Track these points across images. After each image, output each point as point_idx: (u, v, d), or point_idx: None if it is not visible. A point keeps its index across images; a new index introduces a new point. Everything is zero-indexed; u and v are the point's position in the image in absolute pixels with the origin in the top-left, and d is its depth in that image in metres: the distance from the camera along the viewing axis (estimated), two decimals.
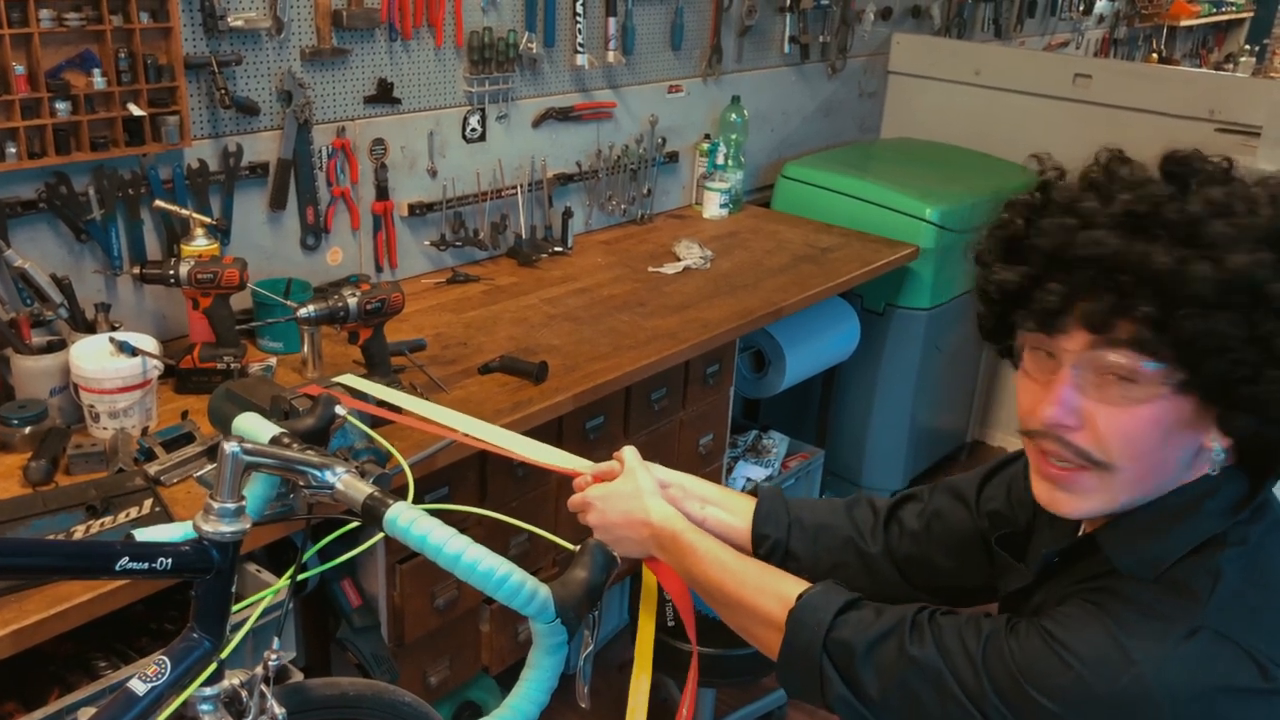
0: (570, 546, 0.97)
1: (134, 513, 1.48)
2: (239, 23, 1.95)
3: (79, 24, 1.74)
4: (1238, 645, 0.83)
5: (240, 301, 1.97)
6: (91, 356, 1.66)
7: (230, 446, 0.85)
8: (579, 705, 1.10)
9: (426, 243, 2.45)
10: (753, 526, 1.24)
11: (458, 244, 2.50)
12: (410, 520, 0.85)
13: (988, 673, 0.89)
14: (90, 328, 1.79)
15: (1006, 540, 1.13)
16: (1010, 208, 0.93)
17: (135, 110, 1.82)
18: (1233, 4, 6.63)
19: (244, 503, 0.88)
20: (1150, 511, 0.90)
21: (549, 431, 2.01)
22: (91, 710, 0.89)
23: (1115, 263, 0.82)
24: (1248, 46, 6.79)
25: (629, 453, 1.24)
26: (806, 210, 3.19)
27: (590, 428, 2.15)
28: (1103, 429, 0.87)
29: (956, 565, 1.19)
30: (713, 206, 3.08)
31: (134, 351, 1.66)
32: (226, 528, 0.87)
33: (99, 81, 1.78)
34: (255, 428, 0.99)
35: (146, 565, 0.81)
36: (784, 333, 2.75)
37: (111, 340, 1.68)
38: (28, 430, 1.62)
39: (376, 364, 1.80)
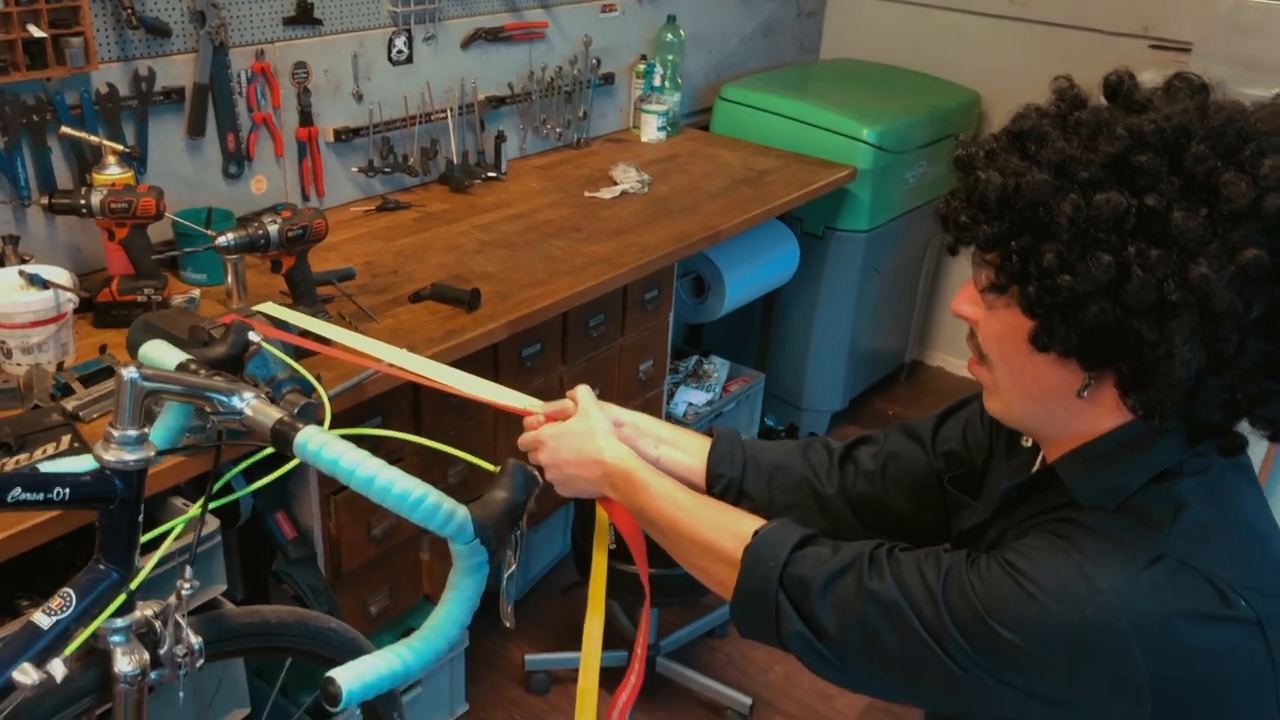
0: (491, 467, 0.96)
1: (50, 449, 1.44)
2: None
3: None
4: (1199, 572, 0.84)
5: (161, 233, 1.91)
6: (2, 290, 1.60)
7: (128, 372, 0.82)
8: (504, 623, 1.09)
9: (354, 169, 2.39)
10: (708, 466, 1.23)
11: (386, 170, 2.44)
12: (320, 444, 0.83)
13: (948, 607, 0.89)
14: None
15: (960, 480, 1.14)
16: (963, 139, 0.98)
17: (35, 32, 1.73)
18: None
19: (146, 430, 0.85)
20: (1107, 442, 0.91)
21: (484, 360, 1.98)
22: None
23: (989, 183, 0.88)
24: None
25: (583, 392, 1.22)
26: (745, 133, 3.16)
27: (526, 356, 2.13)
28: (982, 327, 0.94)
29: (912, 506, 1.20)
30: (650, 130, 3.03)
31: (45, 284, 1.60)
32: (129, 455, 0.84)
33: None
34: (161, 355, 0.96)
35: (41, 495, 0.78)
36: (723, 257, 2.73)
37: (21, 273, 1.62)
38: None
39: (302, 293, 1.76)
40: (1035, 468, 1.01)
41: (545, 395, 1.32)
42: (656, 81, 3.01)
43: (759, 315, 3.21)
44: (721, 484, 1.22)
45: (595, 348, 2.31)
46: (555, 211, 2.47)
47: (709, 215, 2.50)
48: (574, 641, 2.59)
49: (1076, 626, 0.83)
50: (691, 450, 1.24)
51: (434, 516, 0.84)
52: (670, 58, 3.02)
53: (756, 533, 1.02)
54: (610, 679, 2.51)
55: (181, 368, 0.93)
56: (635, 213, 2.49)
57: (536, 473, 0.95)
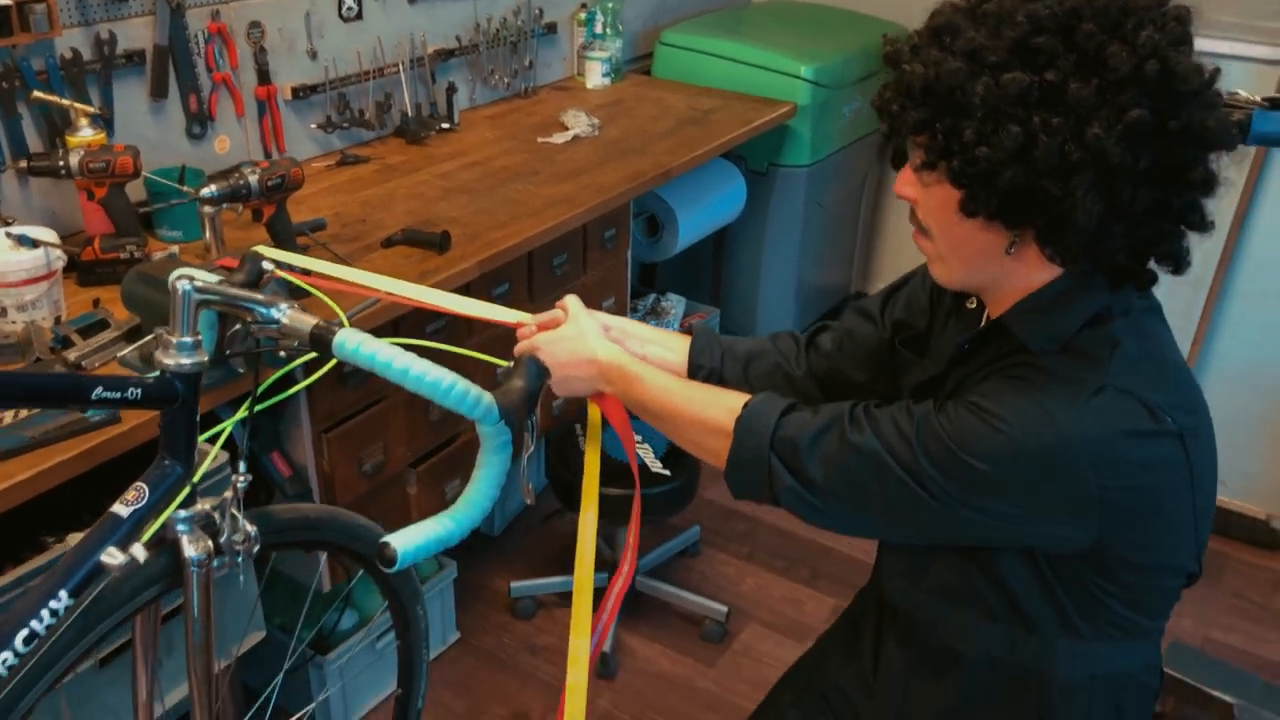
0: (505, 363, 1.06)
1: None
2: None
3: None
4: (1134, 397, 0.99)
5: (133, 194, 1.96)
6: None
7: (182, 284, 0.91)
8: (524, 500, 1.20)
9: (313, 126, 2.45)
10: (689, 359, 1.35)
11: (344, 125, 2.50)
12: (358, 342, 0.93)
13: (923, 448, 1.01)
14: None
15: (908, 342, 1.27)
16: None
17: None
18: None
19: (199, 337, 0.94)
20: (1044, 294, 1.04)
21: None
22: (79, 535, 0.96)
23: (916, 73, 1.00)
24: None
25: (572, 300, 1.32)
26: (686, 76, 3.25)
27: (496, 295, 2.22)
28: (920, 204, 1.07)
29: (868, 377, 1.33)
30: (595, 76, 3.11)
31: (34, 243, 1.66)
32: (186, 360, 0.93)
33: None
34: (198, 275, 1.04)
35: (119, 394, 0.87)
36: (674, 196, 2.84)
37: (9, 235, 1.67)
38: None
39: (283, 241, 1.83)
40: (982, 324, 1.14)
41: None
42: (598, 29, 3.08)
43: (711, 253, 3.33)
44: (702, 374, 1.34)
45: (560, 285, 2.41)
46: (511, 158, 2.55)
47: (659, 155, 2.60)
48: (555, 568, 2.73)
49: (1036, 451, 0.97)
50: (673, 347, 1.36)
51: (464, 401, 0.94)
52: (610, 5, 3.10)
53: (746, 405, 1.14)
54: (594, 601, 2.63)
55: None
56: (588, 155, 2.58)
57: (547, 366, 1.05)
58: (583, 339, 1.26)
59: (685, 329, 1.39)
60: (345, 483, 1.97)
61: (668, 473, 2.38)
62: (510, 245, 2.11)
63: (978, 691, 1.19)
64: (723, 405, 1.16)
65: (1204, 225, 1.00)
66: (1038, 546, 1.06)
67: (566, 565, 2.73)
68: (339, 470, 1.94)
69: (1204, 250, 2.78)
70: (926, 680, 1.23)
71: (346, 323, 1.02)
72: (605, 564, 2.64)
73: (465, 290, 2.11)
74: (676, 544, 2.73)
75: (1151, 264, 1.03)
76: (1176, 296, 2.80)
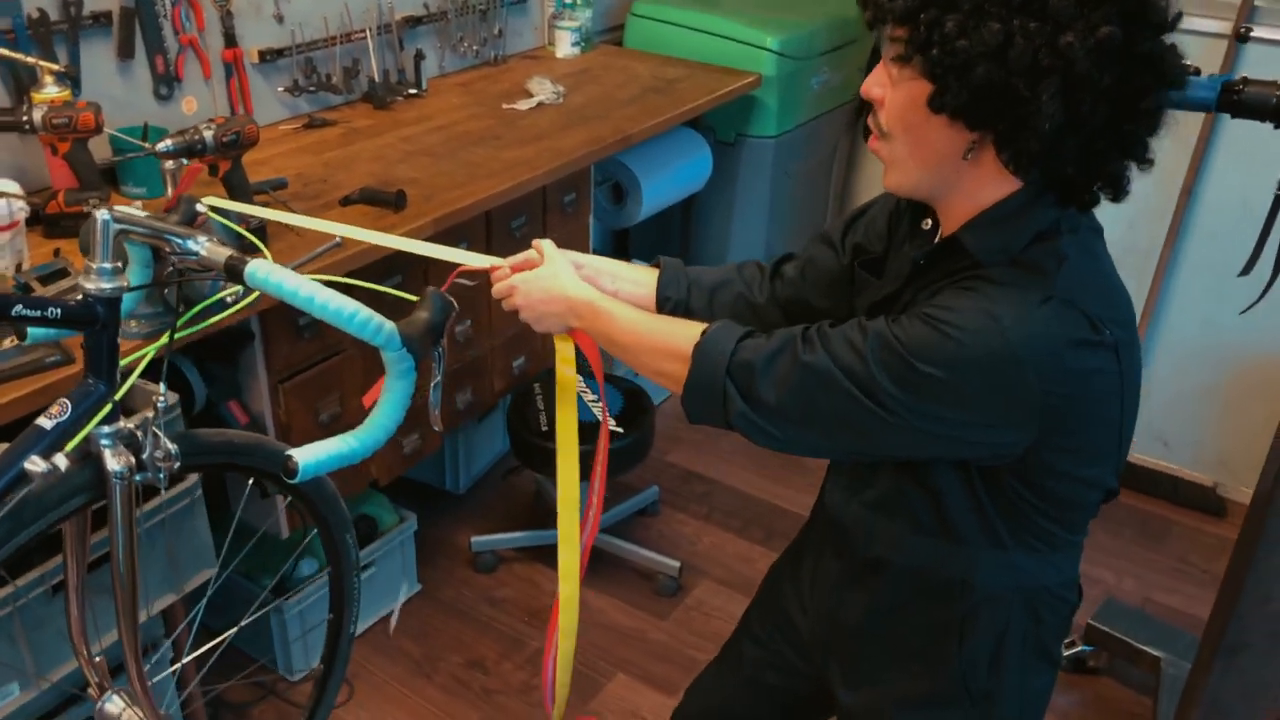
0: (413, 298, 1.13)
1: (13, 341, 1.58)
2: None
3: None
4: (1078, 308, 1.05)
5: (100, 153, 2.02)
6: None
7: (101, 214, 0.98)
8: (433, 427, 1.28)
9: (280, 89, 2.51)
10: (657, 291, 1.41)
11: (311, 90, 2.56)
12: (268, 271, 0.99)
13: (876, 359, 1.06)
14: None
15: (866, 264, 1.32)
16: None
17: None
18: None
19: (119, 264, 1.01)
20: (997, 209, 1.11)
21: (415, 260, 2.14)
22: (4, 445, 1.03)
23: None
24: None
25: (546, 243, 1.40)
26: (656, 47, 3.31)
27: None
28: (887, 104, 1.10)
29: (831, 304, 1.38)
30: (565, 45, 3.17)
31: None
32: (106, 284, 1.00)
33: None
34: (128, 211, 1.11)
35: (39, 313, 0.94)
36: (639, 163, 2.90)
37: None
38: None
39: (238, 195, 1.90)
40: (938, 239, 1.20)
41: (476, 292, 1.49)
42: None
43: (679, 222, 3.39)
44: (669, 305, 1.40)
45: (519, 247, 2.45)
46: (475, 123, 2.61)
47: (620, 121, 2.66)
48: (516, 524, 2.81)
49: (986, 356, 1.03)
50: (642, 281, 1.42)
51: (366, 327, 1.01)
52: None
53: (705, 332, 1.19)
54: (552, 556, 2.73)
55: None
56: (551, 121, 2.65)
57: (453, 301, 1.12)
58: (555, 278, 1.33)
59: (654, 263, 1.45)
60: (302, 432, 2.04)
61: (621, 430, 2.46)
62: (466, 205, 2.17)
63: (905, 597, 1.28)
64: (683, 334, 1.21)
65: (1145, 159, 1.08)
66: (977, 456, 1.12)
67: (527, 521, 2.82)
68: (295, 420, 2.02)
69: (1152, 222, 2.85)
70: (855, 589, 1.32)
71: (269, 255, 1.09)
72: None
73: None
74: (635, 503, 2.81)
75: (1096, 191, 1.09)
76: (1127, 266, 2.87)
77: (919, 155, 1.11)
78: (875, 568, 1.29)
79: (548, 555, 2.68)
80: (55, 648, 1.48)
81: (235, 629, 1.62)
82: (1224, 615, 1.66)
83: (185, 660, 1.64)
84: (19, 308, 0.93)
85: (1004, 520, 1.17)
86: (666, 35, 3.29)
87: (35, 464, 0.97)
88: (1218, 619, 1.68)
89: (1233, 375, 2.91)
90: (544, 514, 2.77)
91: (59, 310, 0.96)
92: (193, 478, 1.62)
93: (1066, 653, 2.40)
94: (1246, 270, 1.57)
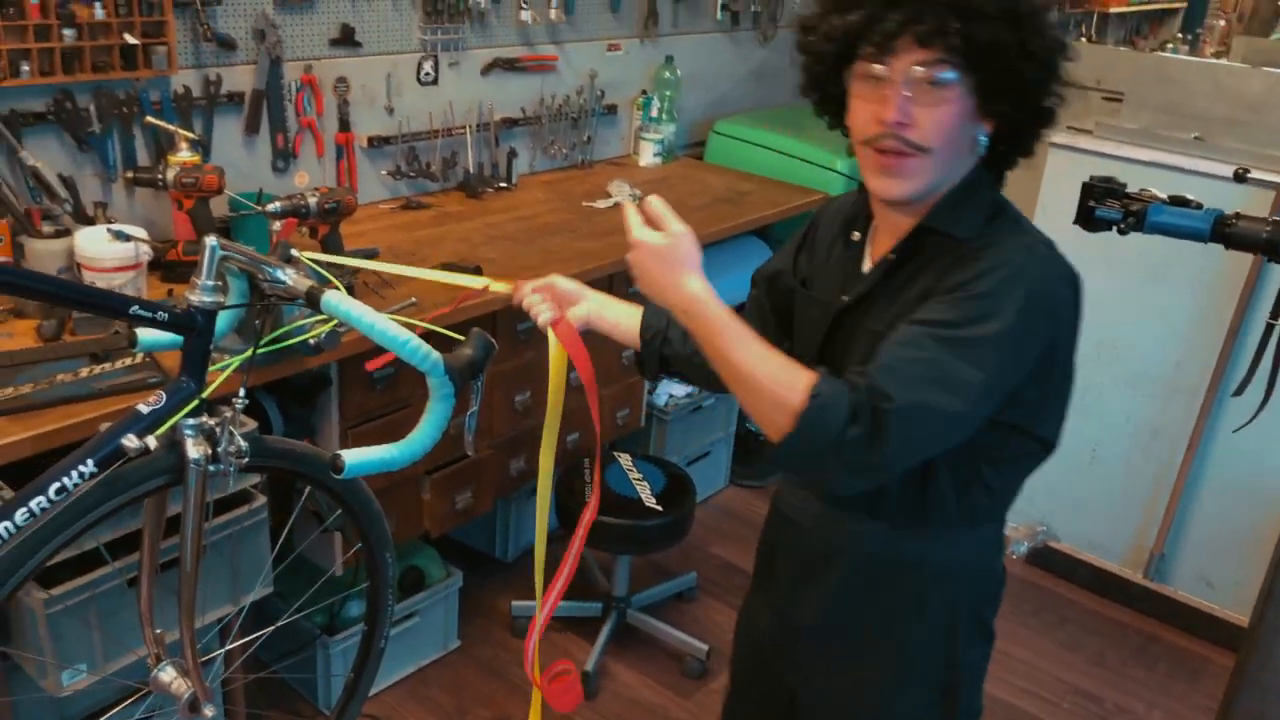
0: (460, 337, 1.30)
1: (129, 361, 1.81)
2: None
3: None
4: (1059, 251, 1.22)
5: (218, 211, 2.29)
6: (92, 242, 1.98)
7: (210, 240, 1.19)
8: (466, 451, 1.42)
9: (384, 172, 2.78)
10: (643, 320, 1.53)
11: (411, 175, 2.83)
12: (338, 300, 1.18)
13: (958, 363, 1.11)
14: (90, 221, 2.12)
15: (805, 285, 1.43)
16: None
17: (130, 39, 2.13)
18: None
19: (220, 283, 1.21)
20: (956, 192, 1.24)
21: (483, 328, 2.34)
22: (107, 424, 1.22)
23: None
24: (1180, 35, 7.17)
25: (666, 212, 1.27)
26: (734, 162, 3.54)
27: (521, 330, 2.49)
28: (926, 123, 1.19)
29: (785, 327, 1.48)
30: (647, 155, 3.42)
31: (128, 238, 1.98)
32: (207, 298, 1.21)
33: (99, 13, 2.09)
34: (232, 243, 1.31)
35: (151, 314, 1.14)
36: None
37: (109, 229, 2.00)
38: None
39: (332, 255, 2.13)
40: (870, 258, 1.33)
41: (537, 366, 1.59)
42: (654, 113, 3.40)
43: None
44: (651, 332, 1.52)
45: (583, 333, 2.66)
46: (555, 216, 2.85)
47: (690, 225, 2.86)
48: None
49: (1027, 302, 1.15)
50: (632, 314, 1.53)
51: (416, 354, 1.19)
52: (668, 93, 3.42)
53: (814, 397, 1.11)
54: (587, 628, 2.88)
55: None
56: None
57: (493, 342, 1.29)
58: (680, 264, 1.24)
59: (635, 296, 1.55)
60: (365, 476, 2.22)
61: (661, 509, 2.59)
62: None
63: (862, 585, 1.36)
64: (792, 384, 1.12)
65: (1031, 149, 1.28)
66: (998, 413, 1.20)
67: (567, 593, 2.93)
68: None
69: (1198, 362, 2.91)
70: (814, 585, 1.41)
71: (344, 290, 1.28)
72: (600, 594, 2.84)
73: (492, 321, 2.39)
74: (673, 585, 2.91)
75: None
76: (1174, 405, 2.92)
77: (947, 159, 1.22)
78: (833, 560, 1.38)
79: (585, 627, 2.79)
80: (123, 637, 1.66)
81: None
82: None
83: (230, 671, 1.79)
84: (135, 308, 1.13)
85: (955, 497, 1.27)
86: (743, 152, 3.52)
87: (131, 441, 1.16)
88: None
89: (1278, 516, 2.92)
90: (584, 587, 2.89)
91: (166, 314, 1.17)
92: (261, 499, 1.80)
93: None
94: (1239, 391, 1.65)
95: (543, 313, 1.46)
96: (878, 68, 1.19)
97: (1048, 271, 1.20)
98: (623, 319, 1.54)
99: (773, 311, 1.51)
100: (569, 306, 1.48)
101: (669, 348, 1.52)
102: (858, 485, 1.24)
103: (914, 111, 1.18)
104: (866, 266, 1.35)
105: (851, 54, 1.22)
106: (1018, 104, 1.20)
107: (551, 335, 1.44)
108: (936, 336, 1.14)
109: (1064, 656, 2.92)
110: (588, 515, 1.53)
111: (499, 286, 1.53)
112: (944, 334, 1.14)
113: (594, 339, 1.55)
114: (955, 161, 1.23)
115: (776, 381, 1.13)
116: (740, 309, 1.43)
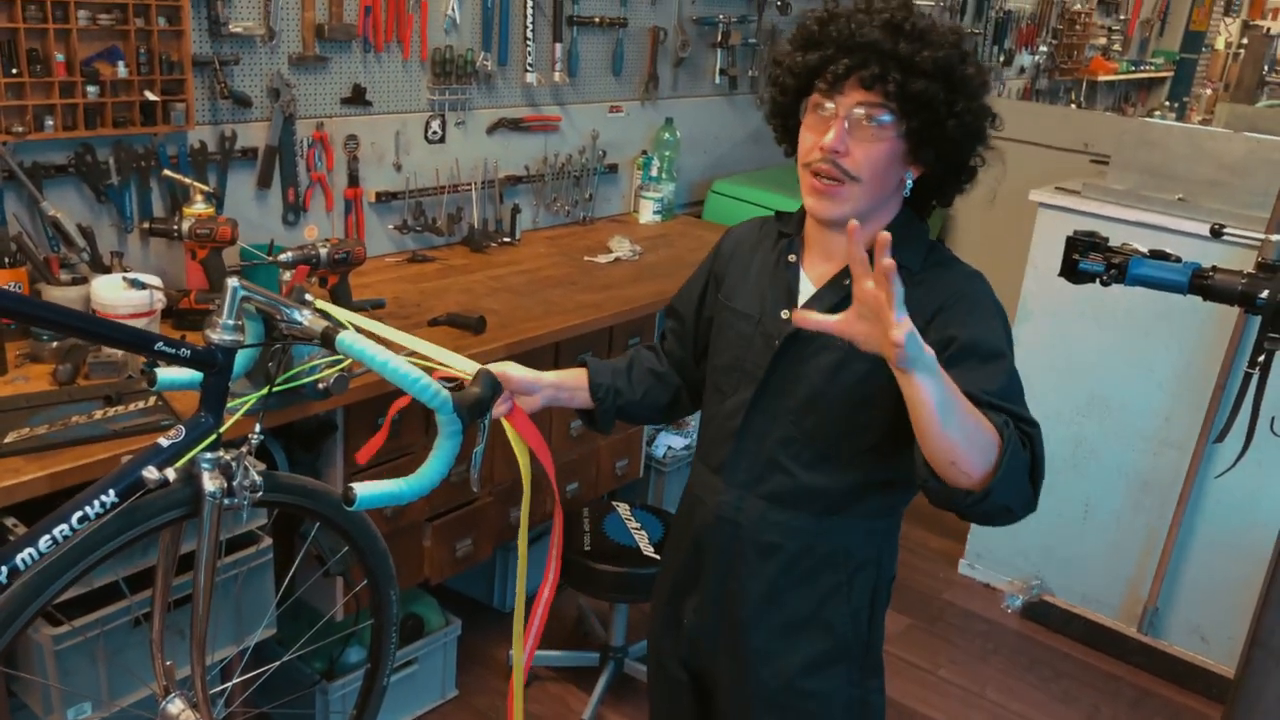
0: (468, 376, 1.36)
1: (142, 404, 1.86)
2: (238, 29, 2.37)
3: (109, 24, 2.15)
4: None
5: (229, 261, 2.36)
6: (108, 289, 2.04)
7: (233, 282, 1.25)
8: (472, 489, 1.47)
9: (390, 227, 2.86)
10: (590, 381, 1.62)
11: (418, 229, 2.91)
12: (353, 340, 1.24)
13: (1016, 394, 1.32)
14: (107, 269, 2.18)
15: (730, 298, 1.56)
16: (807, 22, 1.40)
17: (150, 96, 2.22)
18: (1151, 64, 7.19)
19: (241, 322, 1.27)
20: (896, 227, 1.36)
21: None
22: (130, 455, 1.26)
23: (878, 48, 1.31)
24: (1167, 103, 7.34)
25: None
26: (731, 220, 3.58)
27: None
28: (859, 156, 1.34)
29: (697, 351, 1.65)
30: (647, 213, 3.50)
31: (143, 286, 2.04)
32: (227, 336, 1.26)
33: (122, 71, 2.18)
34: (252, 284, 1.37)
35: (174, 350, 1.19)
36: None
37: (124, 278, 2.06)
38: (54, 345, 2.00)
39: (341, 305, 2.19)
40: (811, 280, 1.45)
41: (540, 417, 1.65)
42: (654, 172, 3.49)
43: None
44: (603, 389, 1.61)
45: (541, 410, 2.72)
46: (557, 270, 2.92)
47: (687, 278, 2.93)
48: (555, 643, 2.94)
49: (1003, 321, 1.38)
50: (580, 377, 1.63)
51: (425, 392, 1.24)
52: (667, 153, 3.51)
53: (1003, 458, 1.21)
54: (585, 678, 2.88)
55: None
56: (624, 274, 2.94)
57: (500, 382, 1.34)
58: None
59: (580, 363, 1.66)
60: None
61: (659, 558, 2.61)
62: (538, 334, 2.44)
63: (797, 573, 1.48)
64: (990, 441, 1.22)
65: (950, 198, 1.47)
66: None
67: (565, 642, 2.95)
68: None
69: (1186, 418, 2.97)
70: (748, 578, 1.51)
71: (352, 329, 1.33)
72: (597, 644, 2.85)
73: None
74: None
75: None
76: (1163, 460, 2.97)
77: (874, 192, 1.37)
78: (768, 552, 1.49)
79: (582, 676, 2.81)
80: (129, 674, 1.68)
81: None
82: None
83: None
84: (160, 344, 1.19)
85: (878, 492, 1.44)
86: (740, 211, 3.60)
87: (151, 472, 1.21)
88: None
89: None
90: (582, 637, 2.91)
91: (189, 351, 1.22)
92: (267, 540, 1.84)
93: None
94: (1220, 438, 1.70)
95: (496, 406, 1.47)
96: (827, 103, 1.35)
97: (991, 289, 1.41)
98: (577, 392, 1.63)
99: (693, 339, 1.65)
100: (521, 395, 1.53)
101: (621, 398, 1.64)
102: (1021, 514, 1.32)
103: (851, 144, 1.34)
104: (805, 286, 1.46)
105: (809, 89, 1.38)
106: (941, 155, 1.36)
107: (506, 425, 1.48)
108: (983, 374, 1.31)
109: (1059, 711, 2.93)
110: (546, 592, 1.63)
111: (460, 370, 1.53)
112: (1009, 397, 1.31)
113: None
114: (882, 195, 1.38)
115: (986, 452, 1.21)
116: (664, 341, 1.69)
